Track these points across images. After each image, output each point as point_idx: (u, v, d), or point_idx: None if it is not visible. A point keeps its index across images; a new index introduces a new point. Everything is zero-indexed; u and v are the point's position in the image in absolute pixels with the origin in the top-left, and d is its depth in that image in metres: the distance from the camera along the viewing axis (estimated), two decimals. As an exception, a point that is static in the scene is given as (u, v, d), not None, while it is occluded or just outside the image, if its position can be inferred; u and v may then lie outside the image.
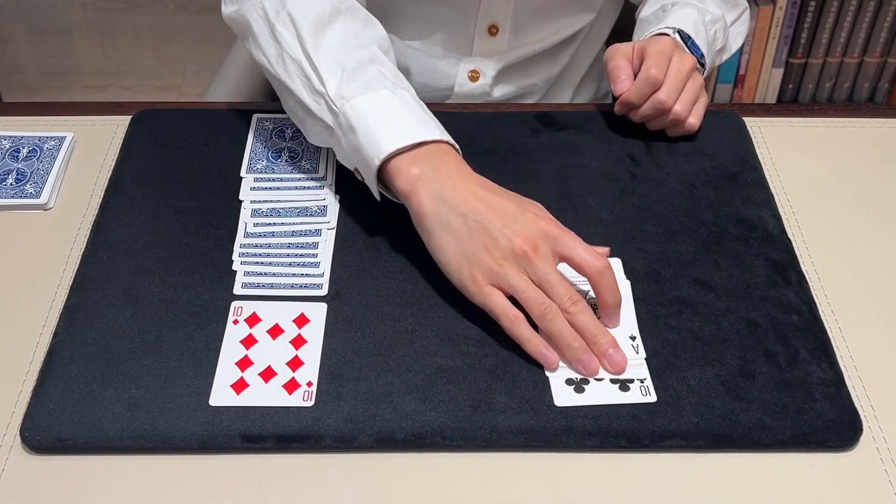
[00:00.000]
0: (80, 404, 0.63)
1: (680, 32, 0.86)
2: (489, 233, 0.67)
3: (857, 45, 1.78)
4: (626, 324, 0.69)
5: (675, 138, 0.85)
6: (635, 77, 0.82)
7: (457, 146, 0.72)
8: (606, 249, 0.72)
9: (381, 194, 0.73)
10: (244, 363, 0.66)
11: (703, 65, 0.88)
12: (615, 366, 0.65)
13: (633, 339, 0.68)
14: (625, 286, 0.71)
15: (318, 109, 0.74)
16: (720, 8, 0.94)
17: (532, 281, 0.66)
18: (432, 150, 0.70)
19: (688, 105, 0.82)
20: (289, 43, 0.75)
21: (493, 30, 0.94)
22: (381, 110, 0.71)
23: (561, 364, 0.66)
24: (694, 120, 0.83)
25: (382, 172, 0.71)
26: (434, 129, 0.71)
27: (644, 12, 0.95)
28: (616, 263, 0.73)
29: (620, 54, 0.83)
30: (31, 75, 2.14)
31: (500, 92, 0.99)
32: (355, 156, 0.72)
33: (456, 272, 0.68)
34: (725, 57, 0.98)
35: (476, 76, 0.96)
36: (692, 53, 0.86)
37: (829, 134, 0.88)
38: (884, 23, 1.74)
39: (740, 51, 1.81)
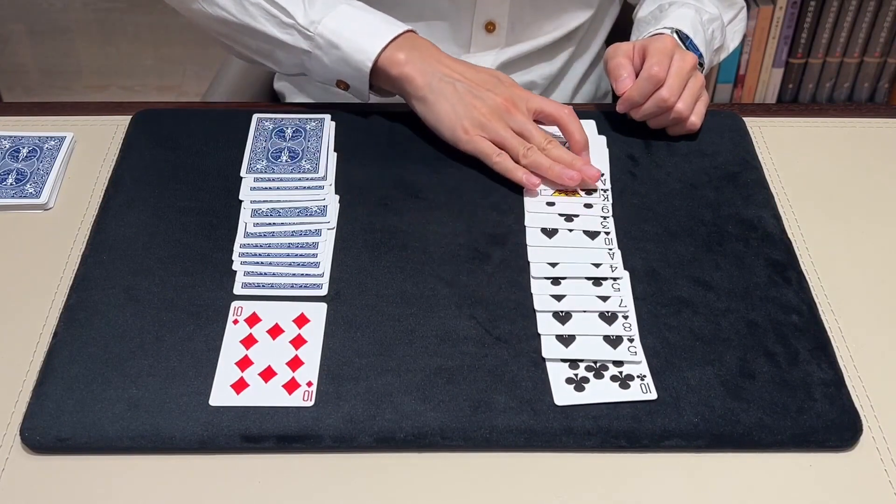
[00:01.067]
0: (80, 404, 0.63)
1: (678, 32, 0.87)
2: (476, 95, 0.80)
3: (857, 45, 1.77)
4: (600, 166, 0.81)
5: (675, 138, 0.85)
6: (637, 76, 0.82)
7: (413, 30, 0.84)
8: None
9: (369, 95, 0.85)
10: (244, 363, 0.66)
11: (701, 64, 0.88)
12: (591, 177, 0.78)
13: (632, 340, 0.68)
14: (600, 140, 0.84)
15: (291, 40, 0.83)
16: (717, 7, 0.94)
17: (513, 130, 0.80)
18: (405, 39, 0.82)
19: (690, 103, 0.83)
20: None
21: (490, 26, 0.94)
22: (349, 22, 0.82)
23: (560, 363, 0.66)
24: (696, 119, 0.84)
25: (372, 71, 0.82)
26: (397, 24, 0.83)
27: (641, 12, 0.96)
28: (590, 124, 0.85)
29: (621, 53, 0.84)
30: (31, 75, 2.14)
31: None
32: (342, 67, 0.82)
33: (450, 128, 0.81)
34: (723, 56, 0.98)
35: None
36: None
37: (829, 134, 0.88)
38: (884, 23, 1.74)
39: (740, 50, 1.81)
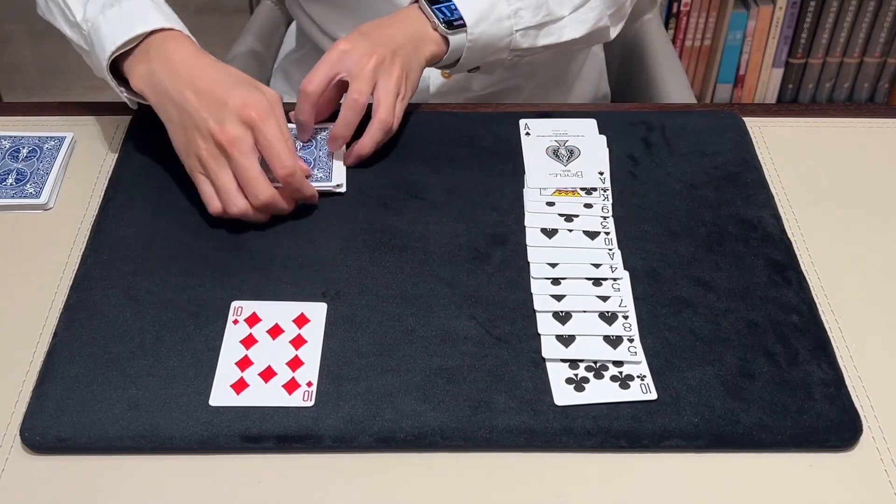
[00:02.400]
0: (80, 404, 0.63)
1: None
2: (196, 125, 0.72)
3: (857, 45, 1.78)
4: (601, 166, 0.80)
5: (675, 138, 0.85)
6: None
7: (184, 30, 0.77)
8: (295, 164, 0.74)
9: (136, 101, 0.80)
10: (244, 363, 0.66)
11: (458, 26, 0.83)
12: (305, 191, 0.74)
13: (632, 341, 0.68)
14: (600, 140, 0.83)
15: (77, 38, 0.80)
16: None
17: (234, 172, 0.72)
18: (155, 41, 0.75)
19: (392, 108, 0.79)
20: None
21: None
22: (114, 21, 0.76)
23: (560, 363, 0.66)
24: (396, 123, 0.80)
25: (122, 79, 0.78)
26: (158, 19, 0.76)
27: None
28: (590, 124, 0.83)
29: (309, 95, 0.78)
30: (31, 75, 2.14)
31: (479, 83, 0.98)
32: (99, 71, 0.78)
33: (182, 158, 0.76)
34: (545, 42, 0.89)
35: (448, 73, 0.96)
36: (438, 16, 0.83)
37: (829, 134, 0.88)
38: (884, 23, 1.74)
39: (739, 51, 1.81)
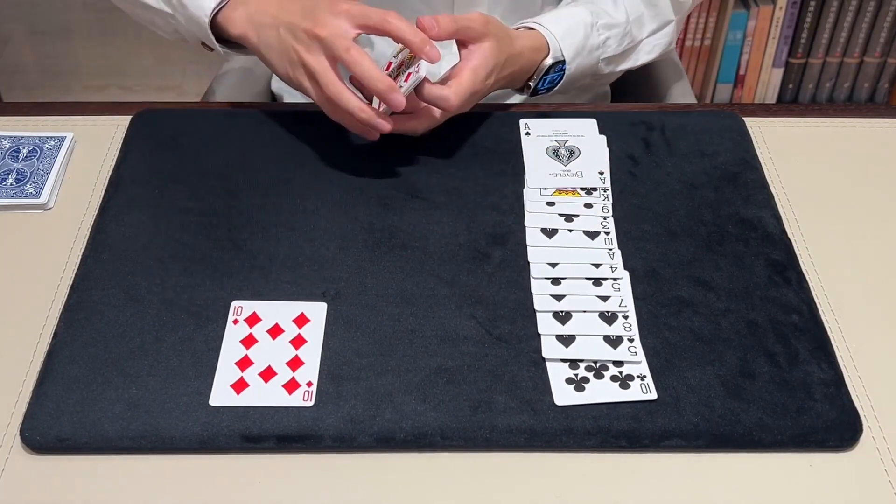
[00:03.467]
0: (80, 404, 0.63)
1: (550, 32, 0.86)
2: (294, 34, 0.76)
3: (857, 45, 1.78)
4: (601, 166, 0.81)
5: (675, 138, 0.85)
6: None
7: None
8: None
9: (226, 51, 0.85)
10: (244, 363, 0.66)
11: (562, 70, 0.87)
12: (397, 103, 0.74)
13: (632, 340, 0.68)
14: (600, 140, 0.83)
15: (156, 3, 0.84)
16: (631, 15, 0.91)
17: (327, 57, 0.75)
18: None
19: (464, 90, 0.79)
20: None
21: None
22: None
23: (560, 363, 0.66)
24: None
25: (218, 30, 0.82)
26: None
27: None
28: (590, 124, 0.84)
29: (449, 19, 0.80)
30: (31, 75, 2.14)
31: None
32: (194, 26, 0.82)
33: (284, 77, 0.79)
34: (624, 66, 0.95)
35: None
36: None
37: (829, 134, 0.88)
38: (884, 23, 1.74)
39: (739, 51, 1.81)
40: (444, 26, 0.77)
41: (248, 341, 0.67)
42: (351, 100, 0.75)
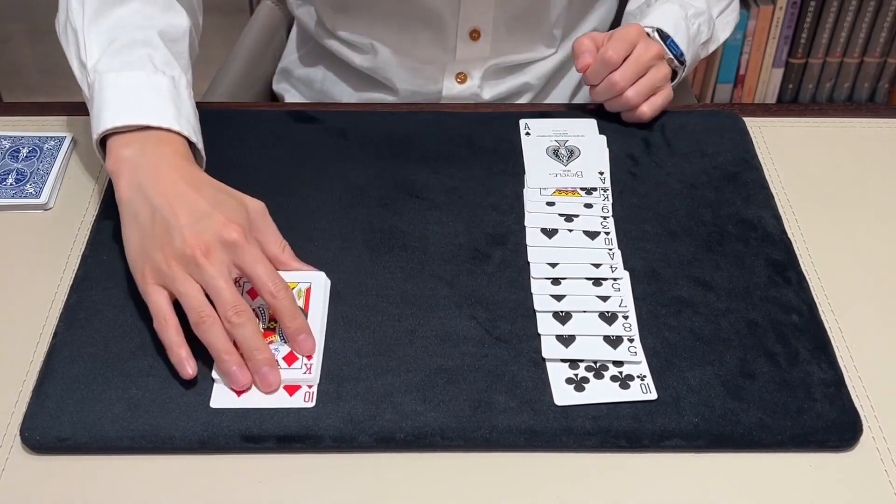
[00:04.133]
0: (80, 404, 0.63)
1: (659, 32, 0.88)
2: (168, 230, 0.65)
3: (857, 45, 1.78)
4: (601, 165, 0.82)
5: (675, 138, 0.85)
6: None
7: (196, 142, 0.71)
8: (301, 268, 0.69)
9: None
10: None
11: (682, 62, 0.89)
12: (266, 385, 0.63)
13: (632, 341, 0.68)
14: (600, 140, 0.85)
15: (80, 79, 0.75)
16: (705, 1, 0.94)
17: (201, 286, 0.63)
18: (156, 137, 0.69)
19: (642, 91, 0.84)
20: (73, 13, 0.76)
21: (474, 34, 0.94)
22: (124, 90, 0.70)
23: (560, 363, 0.66)
24: (647, 108, 0.84)
25: (106, 149, 0.70)
26: (169, 118, 0.70)
27: (629, 6, 0.97)
28: (590, 124, 0.86)
29: (589, 37, 0.86)
30: (31, 75, 2.14)
31: (490, 93, 0.99)
32: (92, 127, 0.71)
33: (132, 264, 0.67)
34: (712, 48, 0.98)
35: (464, 79, 0.96)
36: (671, 52, 0.87)
37: (829, 134, 0.88)
38: (884, 23, 1.74)
39: (739, 51, 1.81)
40: (619, 53, 0.83)
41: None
42: (174, 344, 0.64)
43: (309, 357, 0.65)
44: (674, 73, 0.89)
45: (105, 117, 0.70)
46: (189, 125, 0.72)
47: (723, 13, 0.98)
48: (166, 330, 0.64)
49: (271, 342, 0.66)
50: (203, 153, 0.73)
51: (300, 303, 0.67)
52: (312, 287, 0.69)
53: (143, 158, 0.68)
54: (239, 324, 0.63)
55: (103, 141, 0.71)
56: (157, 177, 0.67)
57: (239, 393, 0.64)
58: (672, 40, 0.88)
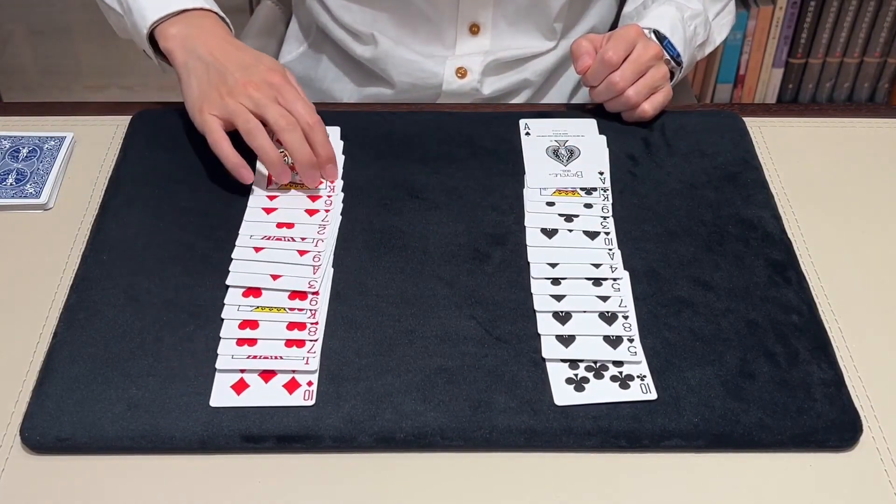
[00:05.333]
0: (80, 404, 0.63)
1: (656, 33, 0.88)
2: (223, 76, 0.77)
3: (857, 45, 1.78)
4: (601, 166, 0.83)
5: (675, 138, 0.85)
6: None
7: (223, 16, 0.84)
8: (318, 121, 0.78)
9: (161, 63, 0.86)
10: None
11: (679, 63, 0.89)
12: (310, 180, 0.77)
13: (632, 341, 0.68)
14: (600, 140, 0.85)
15: (113, 3, 0.86)
16: (701, 2, 0.95)
17: (249, 107, 0.76)
18: (194, 15, 0.82)
19: (642, 90, 0.84)
20: None
21: (474, 28, 0.94)
22: None
23: (560, 363, 0.66)
24: (648, 107, 0.85)
25: (153, 42, 0.82)
26: (200, 1, 0.82)
27: (626, 8, 0.98)
28: (590, 124, 0.86)
29: (587, 38, 0.86)
30: (31, 75, 2.14)
31: (490, 88, 0.99)
32: (136, 34, 0.83)
33: (191, 108, 0.79)
34: (709, 49, 0.99)
35: (464, 73, 0.96)
36: (667, 53, 0.88)
37: (829, 134, 0.88)
38: (884, 23, 1.74)
39: (739, 51, 1.81)
40: (619, 53, 0.83)
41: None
42: (265, 140, 0.76)
43: (315, 271, 0.69)
44: (671, 75, 0.89)
45: (148, 14, 0.81)
46: (216, 6, 0.85)
47: (719, 15, 0.99)
48: (220, 144, 0.76)
49: (276, 356, 0.66)
50: (232, 28, 0.85)
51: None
52: (330, 136, 0.79)
53: (189, 31, 0.81)
54: (287, 129, 0.76)
55: (150, 40, 0.83)
56: (204, 41, 0.80)
57: (238, 392, 0.64)
58: (669, 41, 0.88)
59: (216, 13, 0.84)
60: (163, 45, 0.81)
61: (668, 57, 0.88)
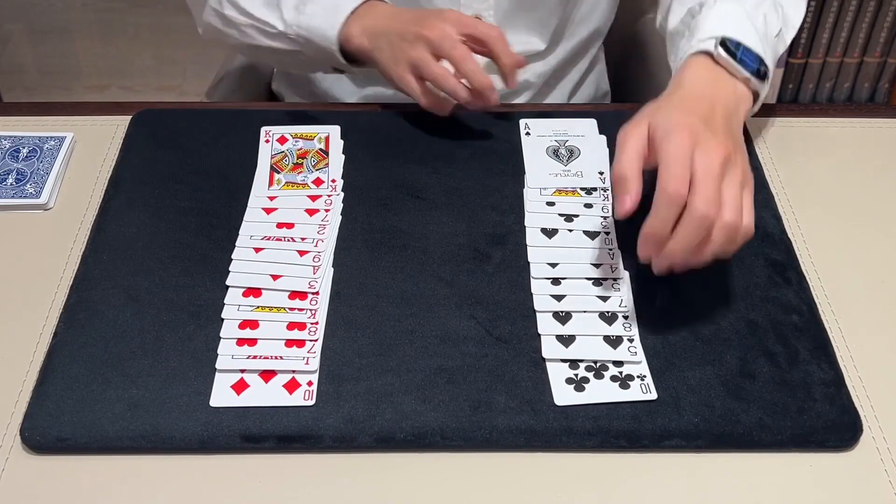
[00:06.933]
0: (80, 404, 0.63)
1: (724, 43, 0.71)
2: (402, 36, 0.81)
3: (857, 45, 1.77)
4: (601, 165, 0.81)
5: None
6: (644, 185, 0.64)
7: None
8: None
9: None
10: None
11: (764, 75, 0.73)
12: (486, 100, 0.80)
13: (632, 341, 0.68)
14: (600, 140, 0.83)
15: (285, 46, 0.87)
16: None
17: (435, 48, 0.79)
18: (361, 10, 0.85)
19: (736, 204, 0.63)
20: (237, 17, 0.88)
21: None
22: (311, 16, 0.85)
23: (560, 363, 0.66)
24: (748, 220, 0.64)
25: (343, 52, 0.85)
26: None
27: (671, 22, 0.82)
28: (590, 124, 0.84)
29: (631, 150, 0.64)
30: (31, 75, 2.14)
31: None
32: (322, 56, 0.86)
33: (388, 75, 0.83)
34: (790, 35, 0.83)
35: None
36: (745, 69, 0.72)
37: (829, 134, 0.88)
38: (884, 23, 1.73)
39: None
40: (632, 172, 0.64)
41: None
42: (451, 80, 0.80)
43: (315, 271, 0.69)
44: (755, 96, 0.74)
45: (329, 33, 0.84)
46: None
47: None
48: (421, 97, 0.82)
49: (276, 356, 0.66)
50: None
51: (321, 146, 0.83)
52: (331, 135, 0.83)
53: (366, 21, 0.84)
54: (461, 60, 0.79)
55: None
56: (382, 21, 0.83)
57: (238, 392, 0.64)
58: (745, 49, 0.71)
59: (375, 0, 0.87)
60: (352, 46, 0.84)
61: (747, 75, 0.71)
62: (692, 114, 0.65)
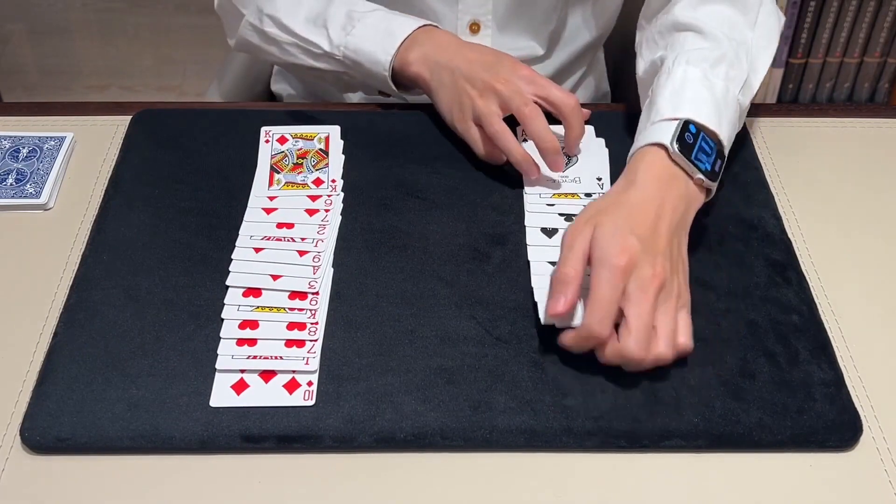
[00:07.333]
0: (80, 404, 0.63)
1: (683, 127, 0.70)
2: (470, 81, 0.79)
3: (857, 45, 1.77)
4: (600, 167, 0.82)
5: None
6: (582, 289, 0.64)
7: (434, 23, 0.86)
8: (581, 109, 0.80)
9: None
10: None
11: (718, 171, 0.72)
12: (555, 166, 0.79)
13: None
14: (599, 142, 0.84)
15: (329, 66, 0.86)
16: (719, 30, 0.78)
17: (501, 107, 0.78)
18: (418, 35, 0.83)
19: (669, 333, 0.64)
20: (279, 35, 0.87)
21: (474, 27, 0.94)
22: (363, 39, 0.83)
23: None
24: (684, 339, 0.64)
25: (394, 77, 0.84)
26: (409, 22, 0.84)
27: (639, 68, 0.84)
28: (588, 127, 0.84)
29: (578, 252, 0.65)
30: (31, 75, 2.14)
31: None
32: (371, 79, 0.85)
33: (448, 116, 0.82)
34: (757, 81, 0.80)
35: None
36: (699, 167, 0.70)
37: (829, 134, 0.88)
38: (884, 23, 1.73)
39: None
40: (576, 270, 0.64)
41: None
42: (511, 140, 0.78)
43: (315, 271, 0.69)
44: (707, 192, 0.72)
45: (381, 58, 0.82)
46: (418, 19, 0.85)
47: (755, 26, 0.80)
48: (484, 149, 0.80)
49: (276, 356, 0.66)
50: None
51: (321, 146, 0.83)
52: (331, 135, 0.84)
53: (425, 48, 0.83)
54: (531, 117, 0.77)
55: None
56: (444, 52, 0.82)
57: (238, 392, 0.64)
58: (703, 135, 0.71)
59: (433, 25, 0.85)
60: (409, 72, 0.83)
61: (700, 176, 0.70)
62: (634, 230, 0.65)
